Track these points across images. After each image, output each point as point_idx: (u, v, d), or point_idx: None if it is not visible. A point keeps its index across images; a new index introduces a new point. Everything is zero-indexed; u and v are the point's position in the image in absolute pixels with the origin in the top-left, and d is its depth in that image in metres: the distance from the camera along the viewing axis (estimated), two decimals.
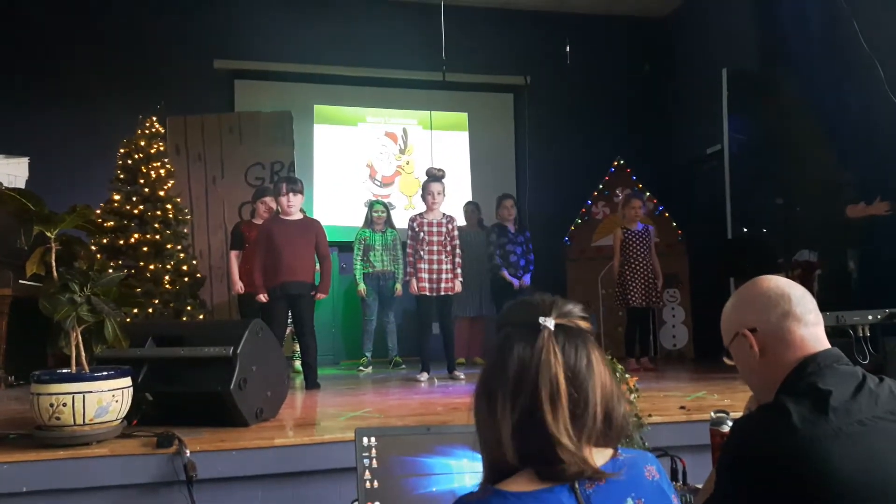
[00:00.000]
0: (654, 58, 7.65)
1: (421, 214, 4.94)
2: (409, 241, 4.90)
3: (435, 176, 4.92)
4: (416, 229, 4.86)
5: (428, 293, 4.80)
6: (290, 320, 4.75)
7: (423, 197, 4.93)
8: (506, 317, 1.05)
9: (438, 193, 4.86)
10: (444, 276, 4.83)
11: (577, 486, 0.93)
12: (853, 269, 4.41)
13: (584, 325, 1.02)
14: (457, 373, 4.83)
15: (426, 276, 4.81)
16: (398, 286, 5.86)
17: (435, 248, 4.84)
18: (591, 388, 0.96)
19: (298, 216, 4.56)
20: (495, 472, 0.98)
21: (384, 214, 6.03)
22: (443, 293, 4.84)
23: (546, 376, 0.94)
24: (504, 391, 0.96)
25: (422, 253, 4.82)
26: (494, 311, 6.02)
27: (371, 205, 6.13)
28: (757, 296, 1.38)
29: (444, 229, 4.88)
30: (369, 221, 6.03)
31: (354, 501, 1.69)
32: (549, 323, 0.98)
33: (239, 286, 4.99)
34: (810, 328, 1.33)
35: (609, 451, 1.00)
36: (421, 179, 7.50)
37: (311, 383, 4.39)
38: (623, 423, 1.00)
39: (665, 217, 6.57)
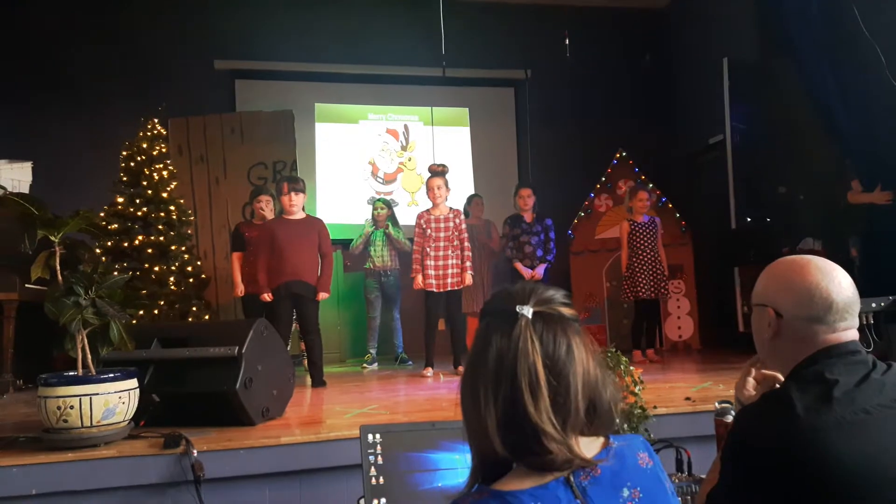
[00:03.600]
0: (654, 49, 7.62)
1: (428, 211, 4.95)
2: (415, 238, 4.91)
3: (437, 172, 4.93)
4: (424, 226, 4.88)
5: (435, 290, 4.81)
6: (295, 318, 4.77)
7: (427, 193, 4.95)
8: (486, 307, 1.04)
9: (440, 188, 4.86)
10: (450, 271, 4.84)
11: (572, 479, 0.93)
12: (856, 256, 4.40)
13: (566, 311, 1.00)
14: (462, 368, 4.83)
15: (433, 272, 4.82)
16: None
17: (442, 243, 4.86)
18: (572, 375, 0.95)
19: (301, 215, 4.57)
20: (486, 465, 0.97)
21: (384, 211, 6.05)
22: (450, 288, 4.85)
23: (524, 365, 0.93)
24: (486, 383, 0.95)
25: (428, 249, 4.84)
26: None
27: (375, 202, 6.16)
28: (802, 288, 1.30)
29: (451, 224, 4.89)
30: (373, 218, 6.07)
31: (361, 498, 1.70)
32: (527, 311, 0.96)
33: (240, 289, 5.02)
34: (838, 333, 1.29)
35: (600, 440, 0.98)
36: (423, 176, 7.52)
37: (317, 381, 4.40)
38: (610, 409, 0.98)
39: (668, 208, 6.55)
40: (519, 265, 5.49)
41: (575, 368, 0.95)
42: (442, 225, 4.88)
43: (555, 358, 0.95)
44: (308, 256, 4.46)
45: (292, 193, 4.45)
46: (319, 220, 4.73)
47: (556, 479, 0.92)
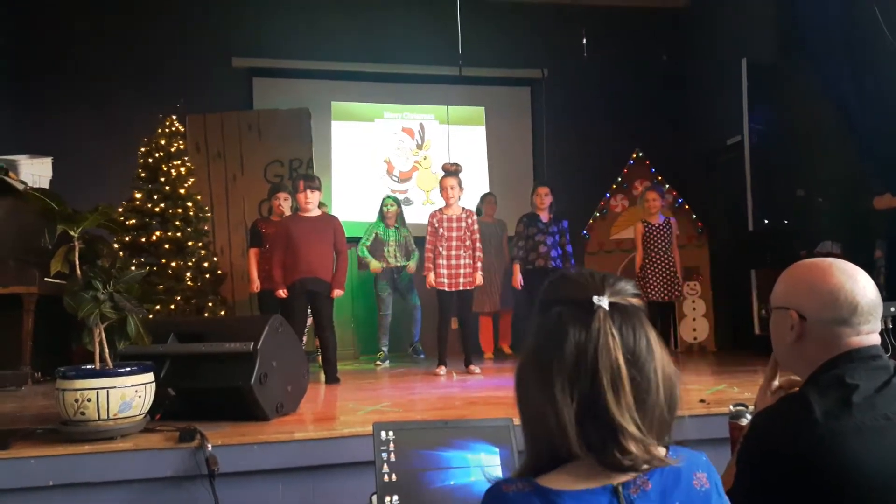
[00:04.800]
0: (672, 49, 7.56)
1: (440, 210, 4.95)
2: (427, 237, 4.91)
3: (450, 171, 4.93)
4: (436, 225, 4.88)
5: (447, 289, 4.82)
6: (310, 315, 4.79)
7: (441, 192, 4.95)
8: (553, 294, 0.98)
9: (453, 188, 4.86)
10: (462, 270, 4.84)
11: (621, 489, 0.89)
12: (879, 259, 4.34)
13: (637, 302, 0.96)
14: (473, 367, 4.84)
15: (444, 271, 4.83)
16: (410, 264, 5.88)
17: (454, 243, 4.86)
18: (653, 372, 0.91)
19: (317, 213, 4.59)
20: (540, 457, 0.93)
21: (394, 208, 6.04)
22: (461, 288, 4.85)
23: (606, 361, 0.89)
24: (562, 376, 0.90)
25: (441, 249, 4.84)
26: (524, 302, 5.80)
27: (384, 199, 6.15)
28: (827, 290, 1.28)
29: (463, 224, 4.89)
30: (382, 216, 6.06)
31: (373, 494, 1.70)
32: (604, 302, 0.92)
33: (256, 284, 5.04)
34: (861, 336, 1.28)
35: (662, 450, 0.94)
36: (438, 175, 7.53)
37: (331, 378, 4.42)
38: (680, 407, 0.95)
39: (685, 209, 6.51)
40: (517, 268, 5.40)
41: (654, 364, 0.92)
42: (455, 224, 4.88)
43: (636, 353, 0.91)
44: (323, 253, 4.48)
45: (308, 191, 4.47)
46: (335, 218, 4.75)
47: (604, 486, 0.89)
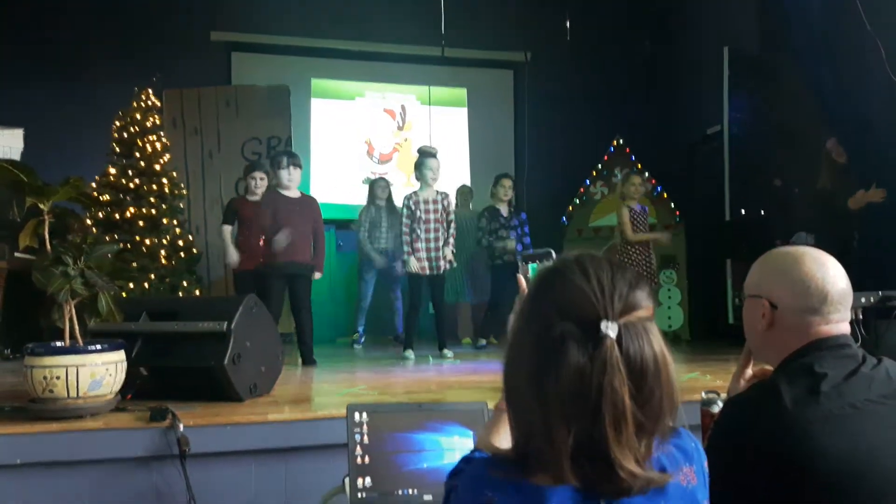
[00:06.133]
0: (655, 36, 7.57)
1: (415, 192, 4.92)
2: (404, 220, 4.89)
3: (428, 153, 4.90)
4: (413, 207, 4.85)
5: (428, 272, 4.81)
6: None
7: (418, 175, 4.91)
8: (552, 303, 0.87)
9: (430, 170, 4.84)
10: (440, 253, 4.84)
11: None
12: (849, 251, 4.40)
13: (648, 314, 0.87)
14: (446, 351, 4.85)
15: (423, 254, 4.81)
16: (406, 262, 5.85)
17: (432, 225, 4.84)
18: (658, 387, 0.84)
19: (297, 193, 4.54)
20: (531, 458, 0.87)
21: (388, 191, 6.00)
22: (439, 272, 4.84)
23: (610, 399, 0.81)
24: (559, 404, 0.82)
25: (419, 231, 4.82)
26: (496, 295, 5.64)
27: (377, 181, 6.08)
28: (798, 278, 1.30)
29: (439, 206, 4.88)
30: (374, 198, 5.98)
31: (346, 476, 1.70)
32: (613, 330, 0.83)
33: (235, 257, 4.95)
34: (831, 325, 1.29)
35: (656, 474, 0.88)
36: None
37: (308, 360, 4.40)
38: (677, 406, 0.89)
39: (663, 198, 6.55)
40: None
41: (661, 379, 0.85)
42: (431, 207, 4.86)
43: (642, 374, 0.83)
44: (304, 236, 4.44)
45: (291, 167, 4.42)
46: (314, 199, 4.71)
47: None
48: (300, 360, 4.42)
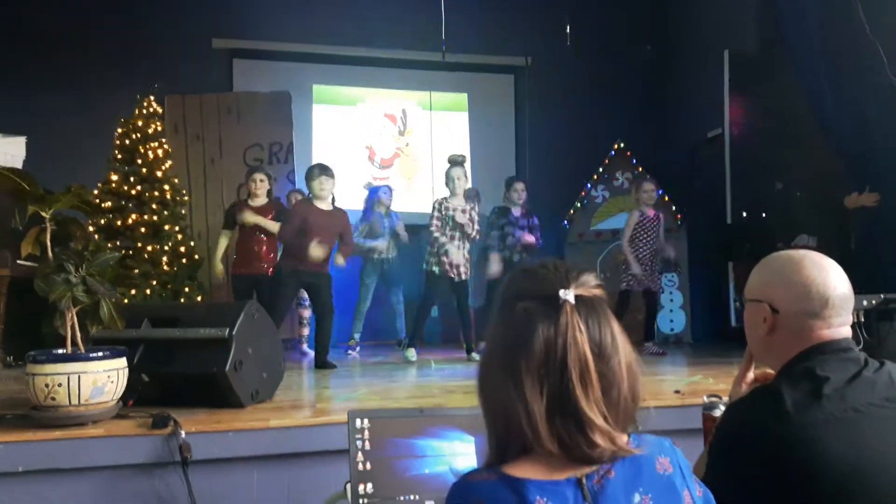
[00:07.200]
0: (656, 39, 7.57)
1: (446, 199, 5.02)
2: (434, 223, 4.93)
3: (454, 161, 5.03)
4: (443, 213, 4.92)
5: (455, 276, 4.89)
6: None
7: (447, 183, 5.04)
8: (517, 289, 0.98)
9: (459, 178, 4.97)
10: (465, 259, 4.97)
11: (584, 481, 0.90)
12: (850, 254, 4.40)
13: (601, 294, 0.97)
14: (475, 354, 4.88)
15: (450, 259, 4.88)
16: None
17: (458, 232, 4.93)
18: (618, 364, 0.93)
19: (329, 205, 4.63)
20: (509, 451, 0.93)
21: (389, 199, 6.03)
22: (463, 277, 4.94)
23: (574, 355, 0.90)
24: (532, 373, 0.91)
25: (446, 237, 4.90)
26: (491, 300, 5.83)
27: (379, 189, 6.09)
28: (799, 282, 1.30)
29: (467, 216, 4.97)
30: (375, 205, 5.97)
31: (347, 483, 1.69)
32: (570, 296, 0.93)
33: (220, 268, 5.03)
34: (833, 329, 1.29)
35: (624, 438, 0.95)
36: (420, 161, 7.50)
37: (322, 363, 4.41)
38: (642, 397, 0.97)
39: (665, 201, 6.54)
40: (495, 257, 5.39)
41: (619, 357, 0.94)
42: (459, 214, 4.94)
43: (602, 346, 0.93)
44: (328, 245, 4.52)
45: (323, 177, 4.53)
46: (344, 212, 4.79)
47: (567, 479, 0.90)
48: (303, 366, 4.43)
